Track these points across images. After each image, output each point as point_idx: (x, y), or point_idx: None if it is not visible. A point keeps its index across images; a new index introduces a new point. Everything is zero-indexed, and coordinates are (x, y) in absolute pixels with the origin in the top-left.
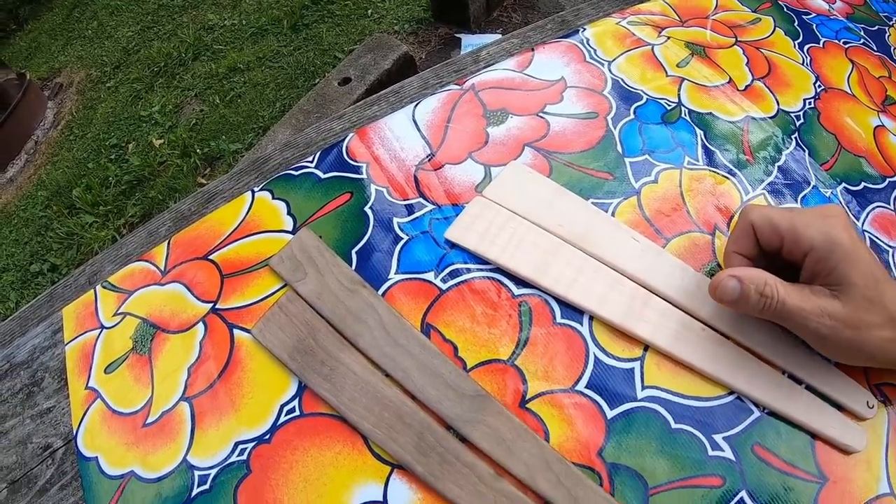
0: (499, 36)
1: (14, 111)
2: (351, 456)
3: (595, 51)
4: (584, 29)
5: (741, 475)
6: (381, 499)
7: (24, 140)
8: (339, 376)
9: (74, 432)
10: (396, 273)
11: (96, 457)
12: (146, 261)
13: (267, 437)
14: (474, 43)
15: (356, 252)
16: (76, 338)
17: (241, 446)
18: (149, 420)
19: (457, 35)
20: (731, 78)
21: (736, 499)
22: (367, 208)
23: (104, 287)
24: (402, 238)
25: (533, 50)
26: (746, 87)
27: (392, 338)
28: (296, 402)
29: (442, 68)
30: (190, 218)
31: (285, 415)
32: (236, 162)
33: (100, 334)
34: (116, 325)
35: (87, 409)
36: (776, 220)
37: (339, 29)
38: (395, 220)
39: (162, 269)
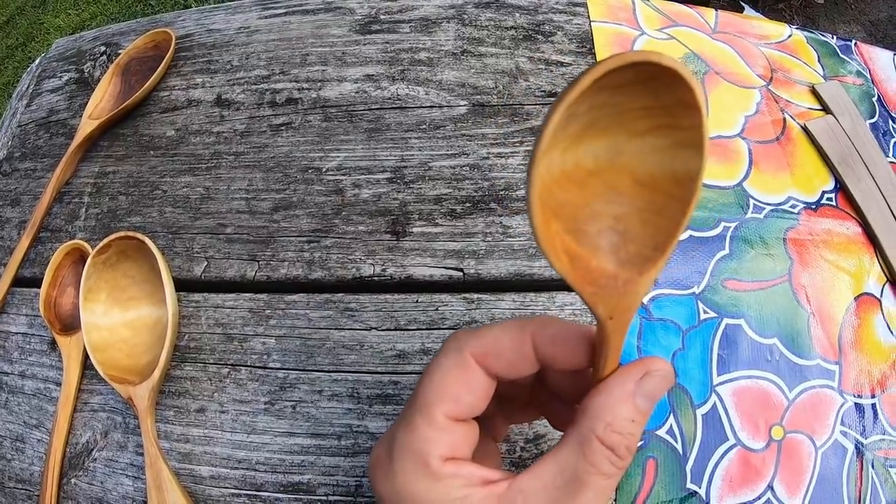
0: None
1: None
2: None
3: None
4: None
5: None
6: (878, 295)
7: None
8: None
9: None
10: None
11: None
12: (697, 13)
13: (813, 206)
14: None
15: None
16: (606, 22)
17: (792, 201)
18: None
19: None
20: None
21: None
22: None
23: (647, 3)
24: None
25: None
26: None
27: None
28: (833, 194)
29: None
30: None
31: (825, 199)
32: None
33: (639, 36)
34: (661, 39)
35: None
36: None
37: None
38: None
39: (712, 26)
